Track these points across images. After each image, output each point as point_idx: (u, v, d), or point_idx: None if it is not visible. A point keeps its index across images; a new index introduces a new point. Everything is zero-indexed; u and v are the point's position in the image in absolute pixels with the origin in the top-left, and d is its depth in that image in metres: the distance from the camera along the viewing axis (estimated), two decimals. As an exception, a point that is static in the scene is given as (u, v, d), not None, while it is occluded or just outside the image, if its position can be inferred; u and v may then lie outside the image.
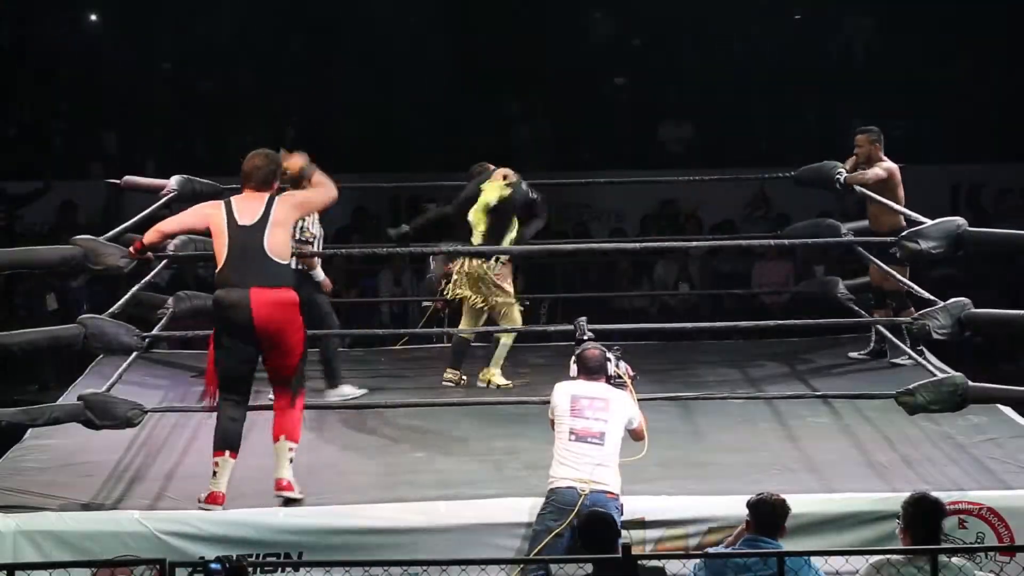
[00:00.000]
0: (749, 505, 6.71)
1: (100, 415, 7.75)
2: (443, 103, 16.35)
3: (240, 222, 7.42)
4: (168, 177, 10.25)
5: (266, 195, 7.50)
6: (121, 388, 8.35)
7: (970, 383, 7.74)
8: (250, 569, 6.88)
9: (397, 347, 11.23)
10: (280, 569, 7.18)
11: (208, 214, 7.54)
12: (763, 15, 16.75)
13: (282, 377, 7.49)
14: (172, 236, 8.48)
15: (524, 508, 7.22)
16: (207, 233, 7.70)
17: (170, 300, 10.12)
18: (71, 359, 10.46)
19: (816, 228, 10.47)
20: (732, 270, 14.98)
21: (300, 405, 7.53)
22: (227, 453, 7.41)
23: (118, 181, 10.37)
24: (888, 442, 8.35)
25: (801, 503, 7.10)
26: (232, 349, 7.42)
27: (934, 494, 6.65)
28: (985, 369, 10.93)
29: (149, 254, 8.09)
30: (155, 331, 9.35)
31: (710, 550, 6.92)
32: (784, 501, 6.71)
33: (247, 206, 7.47)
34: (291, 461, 7.46)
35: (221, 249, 7.43)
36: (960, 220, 8.41)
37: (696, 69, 16.82)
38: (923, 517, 6.49)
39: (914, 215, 8.97)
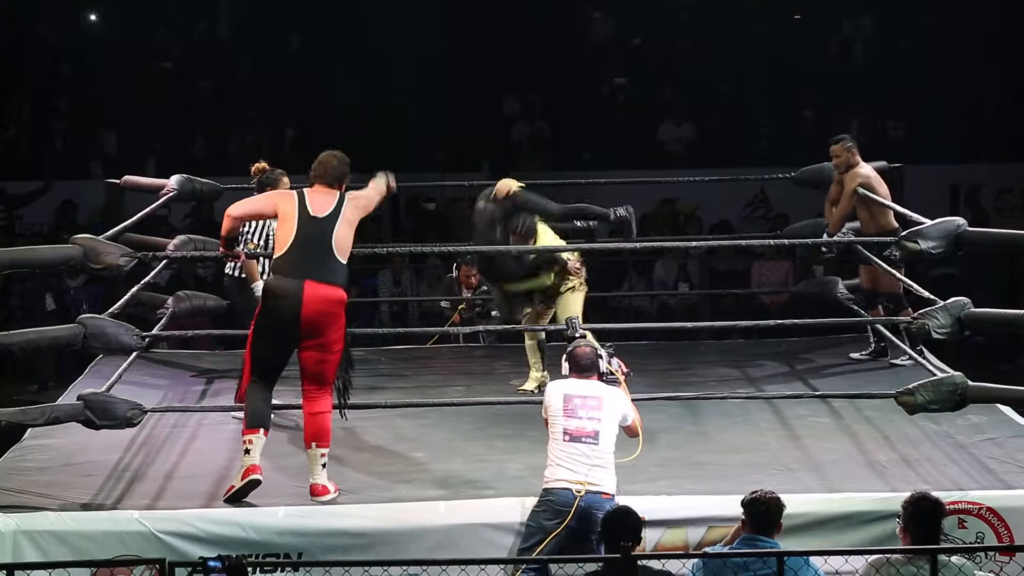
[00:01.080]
0: (743, 504, 6.70)
1: (100, 415, 7.75)
2: (443, 103, 16.37)
3: (312, 213, 7.44)
4: (168, 177, 10.27)
5: (337, 192, 7.53)
6: (121, 388, 8.34)
7: (970, 383, 7.74)
8: (249, 569, 6.90)
9: (428, 345, 11.24)
10: (280, 569, 7.16)
11: (279, 201, 7.55)
12: (762, 15, 16.76)
13: (316, 373, 7.46)
14: (243, 220, 8.21)
15: (524, 508, 7.20)
16: (268, 219, 7.79)
17: (170, 300, 10.11)
18: (71, 359, 10.47)
19: (816, 228, 10.45)
20: (731, 270, 14.98)
21: (328, 407, 7.53)
22: (260, 431, 7.43)
23: (118, 181, 10.38)
24: (888, 442, 8.34)
25: (801, 503, 7.10)
26: (273, 337, 7.44)
27: (934, 494, 6.63)
28: (985, 369, 10.93)
29: (237, 249, 8.20)
30: (155, 331, 9.35)
31: (709, 550, 6.91)
32: (778, 499, 6.69)
33: (320, 199, 7.48)
34: (324, 466, 7.47)
35: (286, 237, 7.42)
36: (960, 220, 8.41)
37: (696, 69, 16.82)
38: (923, 517, 6.47)
39: (903, 210, 8.95)
